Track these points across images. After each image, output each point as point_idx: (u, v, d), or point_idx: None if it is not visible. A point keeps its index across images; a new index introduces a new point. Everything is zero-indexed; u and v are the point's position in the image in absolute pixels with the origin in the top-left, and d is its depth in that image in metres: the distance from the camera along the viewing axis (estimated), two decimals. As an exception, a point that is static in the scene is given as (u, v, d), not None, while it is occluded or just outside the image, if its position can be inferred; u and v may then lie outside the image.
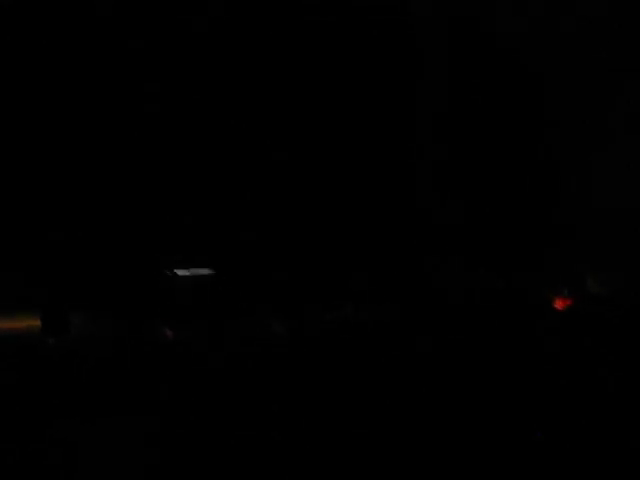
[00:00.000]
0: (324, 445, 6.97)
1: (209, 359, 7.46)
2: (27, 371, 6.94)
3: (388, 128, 8.59)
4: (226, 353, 7.52)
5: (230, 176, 8.09)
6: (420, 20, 8.71)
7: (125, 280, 7.31)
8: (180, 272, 7.29)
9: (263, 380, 7.40)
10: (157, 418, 6.95)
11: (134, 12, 7.56)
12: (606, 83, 9.32)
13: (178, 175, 7.92)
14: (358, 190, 8.54)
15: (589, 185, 9.57)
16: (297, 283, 8.06)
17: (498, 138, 9.17)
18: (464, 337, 8.18)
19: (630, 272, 9.35)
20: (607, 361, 8.13)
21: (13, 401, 6.72)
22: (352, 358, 7.89)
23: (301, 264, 8.24)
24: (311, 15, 8.28)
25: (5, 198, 7.53)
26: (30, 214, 7.55)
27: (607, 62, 9.15)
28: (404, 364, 7.91)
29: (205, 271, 7.42)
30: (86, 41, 7.65)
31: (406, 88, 8.69)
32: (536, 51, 8.96)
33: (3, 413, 6.61)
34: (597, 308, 9.26)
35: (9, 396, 6.74)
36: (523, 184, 9.23)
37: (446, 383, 7.69)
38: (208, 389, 7.30)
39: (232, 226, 7.99)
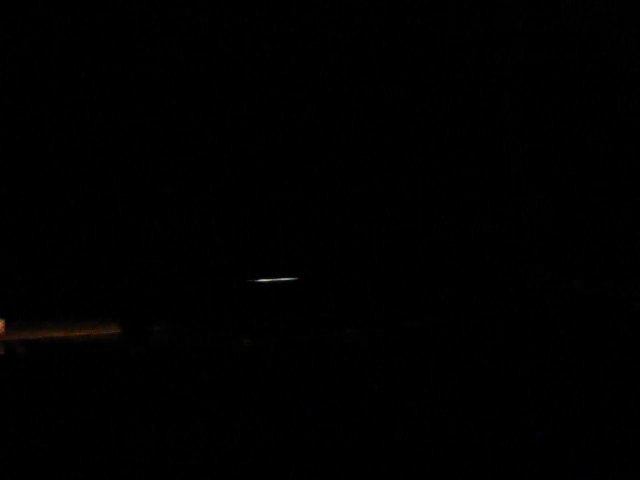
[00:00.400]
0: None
1: (286, 367, 7.40)
2: (106, 380, 6.97)
3: (477, 133, 8.44)
4: (302, 362, 7.44)
5: (314, 183, 8.02)
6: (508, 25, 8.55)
7: (205, 288, 7.29)
8: (261, 280, 7.24)
9: (339, 389, 7.31)
10: (235, 427, 6.93)
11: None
12: None
13: (259, 181, 7.88)
14: (441, 195, 8.40)
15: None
16: (377, 292, 7.94)
17: (592, 140, 8.93)
18: (553, 345, 7.99)
19: None
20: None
21: (92, 409, 6.75)
22: (431, 366, 7.76)
23: (383, 272, 8.12)
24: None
25: (86, 210, 7.60)
26: (114, 225, 7.60)
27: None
28: (487, 373, 7.77)
29: (286, 279, 7.35)
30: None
31: (493, 92, 8.53)
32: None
33: (82, 421, 6.65)
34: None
35: (88, 404, 6.78)
36: (616, 188, 8.97)
37: (532, 390, 7.52)
38: (285, 397, 7.24)
39: (315, 233, 7.91)
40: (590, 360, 7.81)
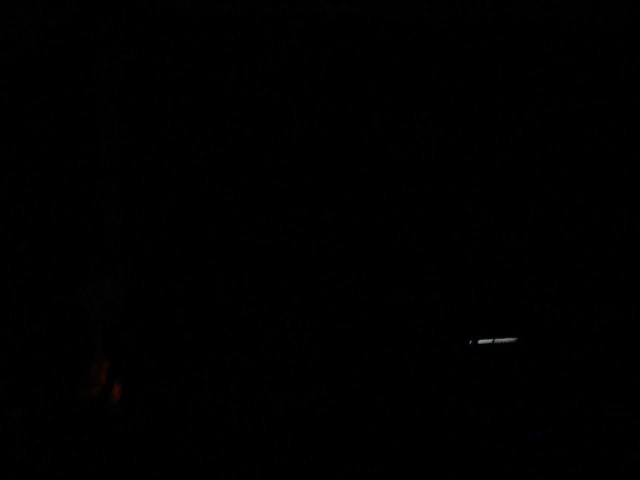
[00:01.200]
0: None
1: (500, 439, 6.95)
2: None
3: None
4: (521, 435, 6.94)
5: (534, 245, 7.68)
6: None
7: (419, 349, 7.03)
8: (482, 340, 6.86)
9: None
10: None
11: None
12: None
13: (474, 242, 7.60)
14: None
15: None
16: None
17: None
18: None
19: None
20: None
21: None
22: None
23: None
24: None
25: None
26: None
27: None
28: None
29: (508, 339, 6.89)
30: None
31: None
32: None
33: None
34: None
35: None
36: None
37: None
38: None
39: (538, 292, 7.46)
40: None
